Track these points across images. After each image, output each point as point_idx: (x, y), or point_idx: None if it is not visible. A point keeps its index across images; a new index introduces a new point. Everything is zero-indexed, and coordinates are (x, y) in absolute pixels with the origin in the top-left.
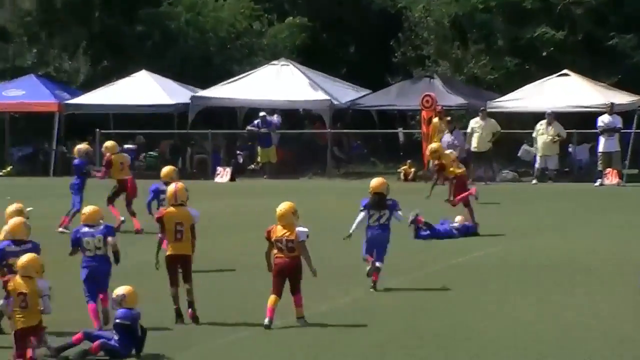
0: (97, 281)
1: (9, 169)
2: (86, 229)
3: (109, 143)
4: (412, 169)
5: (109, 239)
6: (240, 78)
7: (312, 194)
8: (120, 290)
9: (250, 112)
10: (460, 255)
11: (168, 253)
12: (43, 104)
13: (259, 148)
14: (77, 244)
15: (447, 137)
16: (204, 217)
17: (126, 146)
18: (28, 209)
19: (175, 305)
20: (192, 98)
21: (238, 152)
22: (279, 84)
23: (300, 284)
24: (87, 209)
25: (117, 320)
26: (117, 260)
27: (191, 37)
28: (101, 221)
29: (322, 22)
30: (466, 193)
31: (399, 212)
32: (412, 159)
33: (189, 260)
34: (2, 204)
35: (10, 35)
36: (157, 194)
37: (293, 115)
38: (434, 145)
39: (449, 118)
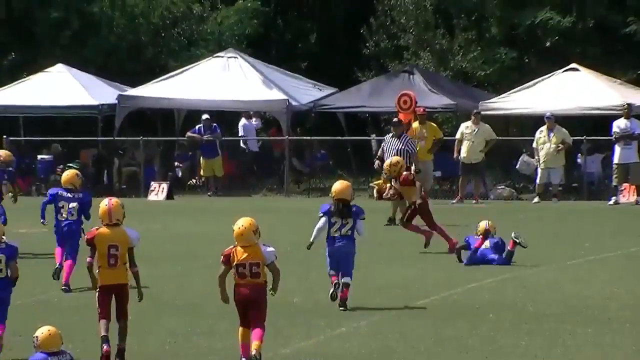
0: None
1: None
2: None
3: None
4: (388, 184)
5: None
6: (177, 74)
7: (266, 215)
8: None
9: (191, 114)
10: (438, 292)
11: (100, 283)
12: None
13: (201, 159)
14: None
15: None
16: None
17: (40, 156)
18: None
19: (103, 346)
20: (120, 98)
21: (176, 163)
22: (225, 80)
23: (264, 314)
24: None
25: None
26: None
27: (117, 24)
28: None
29: (278, 6)
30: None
31: (361, 223)
32: None
33: (125, 290)
34: None
35: None
36: (56, 199)
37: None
38: (395, 158)
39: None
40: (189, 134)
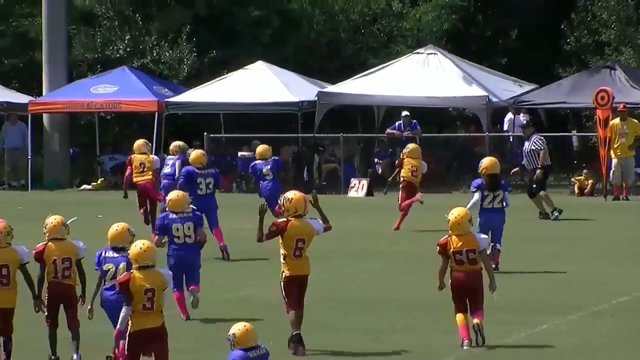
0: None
1: (99, 181)
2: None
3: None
4: (589, 181)
5: None
6: (377, 70)
7: None
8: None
9: (391, 111)
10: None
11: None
12: (139, 103)
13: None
14: None
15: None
16: (333, 238)
17: (241, 153)
18: (71, 219)
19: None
20: (320, 95)
21: (376, 160)
22: (424, 77)
23: (482, 299)
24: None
25: None
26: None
27: (317, 21)
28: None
29: (477, 2)
30: (412, 199)
31: (508, 194)
32: (588, 168)
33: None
34: (90, 223)
35: (97, 19)
36: (191, 177)
37: (442, 116)
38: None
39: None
40: (388, 130)
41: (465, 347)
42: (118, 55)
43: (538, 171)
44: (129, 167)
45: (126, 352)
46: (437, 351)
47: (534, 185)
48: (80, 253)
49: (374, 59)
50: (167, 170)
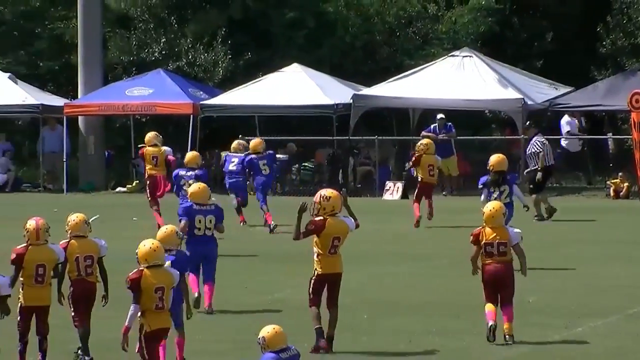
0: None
1: (134, 183)
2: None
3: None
4: (625, 184)
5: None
6: (412, 73)
7: None
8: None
9: (426, 114)
10: None
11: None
12: (174, 105)
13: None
14: None
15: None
16: (366, 240)
17: (276, 155)
18: (93, 217)
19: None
20: (355, 97)
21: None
22: (460, 79)
23: (512, 292)
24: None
25: None
26: None
27: (352, 23)
28: None
29: (513, 4)
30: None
31: (516, 187)
32: (624, 171)
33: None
34: (125, 225)
35: (133, 22)
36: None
37: (477, 118)
38: None
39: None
40: (423, 133)
41: (490, 325)
42: (153, 58)
43: (539, 173)
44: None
45: (145, 353)
46: (472, 353)
47: (531, 186)
48: (102, 251)
49: (409, 62)
50: (232, 167)
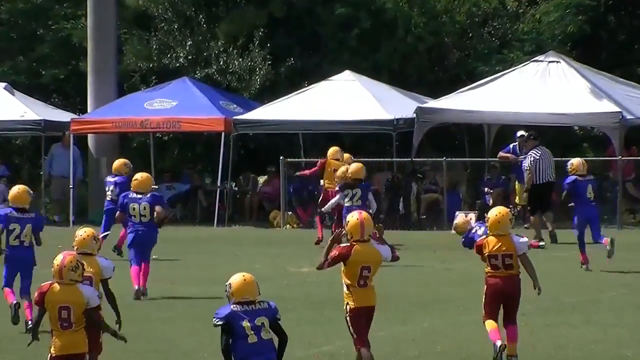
0: None
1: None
2: None
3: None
4: None
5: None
6: (488, 82)
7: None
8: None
9: (504, 130)
10: None
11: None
12: (202, 121)
13: (517, 184)
14: None
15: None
16: (435, 284)
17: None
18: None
19: None
20: (419, 111)
21: (486, 189)
22: (544, 89)
23: (517, 311)
24: None
25: None
26: None
27: (415, 23)
28: None
29: (609, 0)
30: None
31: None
32: None
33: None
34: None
35: (153, 21)
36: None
37: (566, 136)
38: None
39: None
40: (501, 154)
41: (499, 345)
42: (178, 65)
43: (524, 194)
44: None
45: None
46: None
47: (528, 207)
48: (105, 273)
49: (484, 68)
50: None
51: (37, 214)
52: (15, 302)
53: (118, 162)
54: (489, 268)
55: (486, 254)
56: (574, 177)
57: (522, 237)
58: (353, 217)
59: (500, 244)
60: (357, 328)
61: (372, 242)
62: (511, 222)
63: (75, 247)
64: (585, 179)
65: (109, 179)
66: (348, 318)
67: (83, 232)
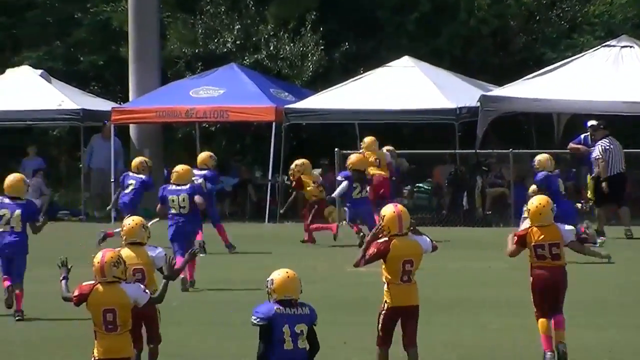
0: None
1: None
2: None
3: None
4: None
5: None
6: (556, 68)
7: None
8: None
9: (574, 120)
10: None
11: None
12: (251, 110)
13: (589, 177)
14: None
15: None
16: (499, 285)
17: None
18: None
19: None
20: (483, 99)
21: None
22: (617, 76)
23: (563, 301)
24: None
25: None
26: None
27: (479, 5)
28: None
29: None
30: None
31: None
32: None
33: None
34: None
35: (199, 4)
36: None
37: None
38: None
39: None
40: (572, 145)
41: (548, 356)
42: (225, 50)
43: (602, 184)
44: None
45: None
46: None
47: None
48: (157, 262)
49: (552, 54)
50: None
51: (28, 201)
52: (10, 284)
53: (204, 155)
54: (534, 259)
55: (532, 245)
56: (544, 173)
57: (566, 225)
58: (389, 210)
59: (545, 233)
60: (385, 327)
61: (410, 234)
62: (553, 212)
63: (124, 237)
64: (553, 174)
65: (196, 172)
66: (381, 315)
67: (131, 220)
